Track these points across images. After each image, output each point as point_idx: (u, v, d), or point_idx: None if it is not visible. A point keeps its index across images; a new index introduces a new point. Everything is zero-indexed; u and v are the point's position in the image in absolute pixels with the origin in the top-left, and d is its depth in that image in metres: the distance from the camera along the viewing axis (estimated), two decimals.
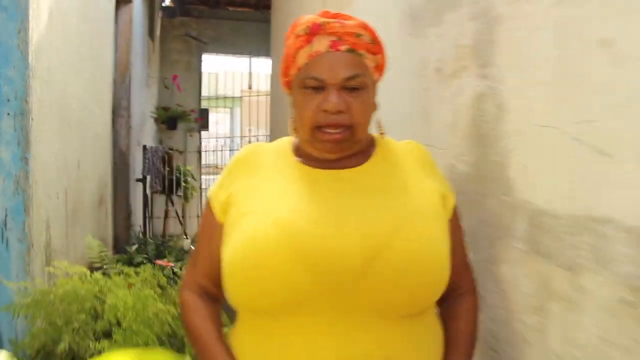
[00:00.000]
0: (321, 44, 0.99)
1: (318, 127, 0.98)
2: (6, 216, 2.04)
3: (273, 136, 6.35)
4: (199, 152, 8.47)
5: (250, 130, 10.25)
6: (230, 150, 9.43)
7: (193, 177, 7.72)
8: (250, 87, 13.88)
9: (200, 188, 8.36)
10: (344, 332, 0.90)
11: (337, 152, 1.01)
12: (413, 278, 0.91)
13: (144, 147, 6.03)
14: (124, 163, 5.00)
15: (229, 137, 9.98)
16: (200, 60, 8.72)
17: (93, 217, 3.48)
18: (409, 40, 1.71)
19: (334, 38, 0.98)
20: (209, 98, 9.71)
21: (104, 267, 2.24)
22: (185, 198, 7.47)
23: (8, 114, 2.03)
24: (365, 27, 1.02)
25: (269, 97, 7.09)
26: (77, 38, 2.98)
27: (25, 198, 2.08)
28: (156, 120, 7.47)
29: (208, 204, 1.08)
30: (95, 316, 1.68)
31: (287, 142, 1.11)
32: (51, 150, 2.45)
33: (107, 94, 4.05)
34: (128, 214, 5.07)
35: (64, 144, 2.73)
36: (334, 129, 0.97)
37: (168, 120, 7.53)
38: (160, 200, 7.10)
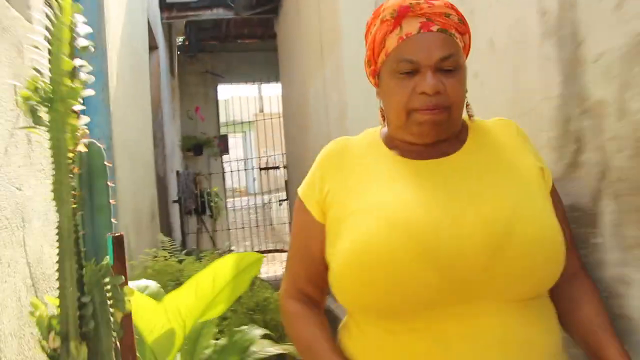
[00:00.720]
0: (411, 26, 0.95)
1: (414, 110, 0.95)
2: None
3: (288, 155, 7.10)
4: (223, 174, 9.27)
5: (266, 151, 11.02)
6: (245, 169, 10.20)
7: (219, 197, 8.51)
8: (262, 111, 14.62)
9: (226, 207, 9.14)
10: (471, 322, 0.87)
11: (435, 135, 0.97)
12: (537, 261, 0.88)
13: (177, 172, 6.83)
14: (162, 186, 5.79)
15: (246, 159, 10.75)
16: (216, 91, 9.56)
17: (149, 230, 4.24)
18: None
19: (423, 19, 0.95)
20: (226, 124, 10.52)
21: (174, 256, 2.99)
22: (214, 216, 8.24)
23: None
24: (452, 6, 0.99)
25: (281, 118, 7.86)
26: (130, 86, 3.77)
27: (114, 211, 2.83)
28: (182, 147, 8.29)
29: (301, 205, 1.04)
30: (179, 283, 2.42)
31: (374, 133, 1.07)
32: (125, 176, 3.21)
33: (149, 128, 4.84)
34: (169, 230, 5.84)
35: (131, 172, 3.50)
36: (432, 110, 0.94)
37: (194, 147, 8.34)
38: (192, 219, 7.88)
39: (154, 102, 5.68)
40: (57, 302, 1.02)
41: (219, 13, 6.54)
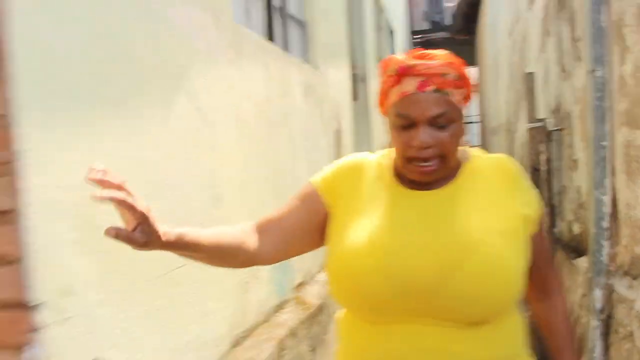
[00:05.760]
0: (409, 85, 1.04)
1: (411, 158, 1.06)
2: None
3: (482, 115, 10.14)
4: None
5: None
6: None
7: None
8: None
9: None
10: (412, 328, 1.05)
11: (430, 179, 1.09)
12: (481, 295, 1.02)
13: None
14: None
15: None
16: None
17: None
18: None
19: (421, 79, 1.04)
20: None
21: None
22: None
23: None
24: (451, 64, 1.06)
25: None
26: None
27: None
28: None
29: (311, 186, 1.19)
30: None
31: (388, 156, 1.18)
32: None
33: None
34: None
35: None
36: (425, 162, 1.05)
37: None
38: None
39: None
40: None
41: (442, 34, 11.84)
